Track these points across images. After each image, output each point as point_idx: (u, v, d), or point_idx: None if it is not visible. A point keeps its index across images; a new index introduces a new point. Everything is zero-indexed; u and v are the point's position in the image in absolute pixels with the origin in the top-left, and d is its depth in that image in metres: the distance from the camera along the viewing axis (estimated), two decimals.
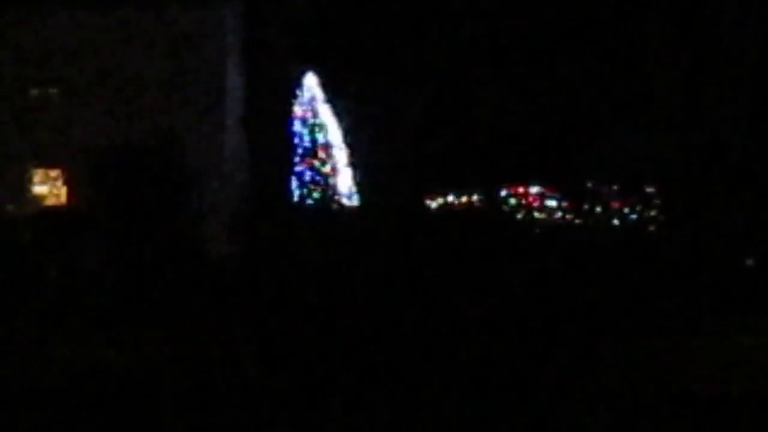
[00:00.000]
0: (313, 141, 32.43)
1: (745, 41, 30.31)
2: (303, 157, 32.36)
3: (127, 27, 31.00)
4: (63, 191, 31.26)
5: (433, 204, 32.10)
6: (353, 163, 32.76)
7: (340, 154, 32.54)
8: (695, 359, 17.18)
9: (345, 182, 32.62)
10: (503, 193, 32.31)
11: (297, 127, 32.12)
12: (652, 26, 32.18)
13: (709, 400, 14.72)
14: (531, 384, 15.92)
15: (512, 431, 13.74)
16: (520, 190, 32.31)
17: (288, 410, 14.55)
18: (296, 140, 32.15)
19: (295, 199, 32.08)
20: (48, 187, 31.44)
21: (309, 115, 32.53)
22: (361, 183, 32.75)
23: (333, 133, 32.62)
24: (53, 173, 31.41)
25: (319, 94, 32.79)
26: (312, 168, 32.36)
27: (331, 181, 32.43)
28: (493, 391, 15.49)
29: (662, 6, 31.70)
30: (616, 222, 32.27)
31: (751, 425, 13.48)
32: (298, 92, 32.36)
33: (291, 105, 31.97)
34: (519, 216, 32.52)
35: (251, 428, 13.87)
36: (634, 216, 32.24)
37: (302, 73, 32.51)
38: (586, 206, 32.16)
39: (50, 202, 31.16)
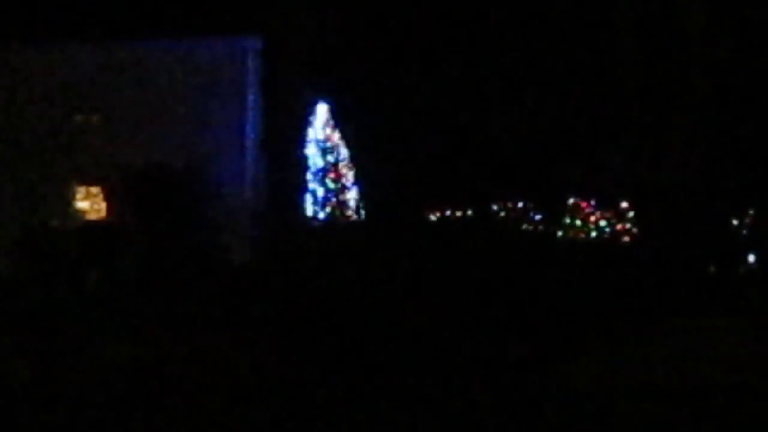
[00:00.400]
0: (325, 162, 32.12)
1: (708, 77, 30.53)
2: (315, 176, 31.93)
3: (158, 59, 30.63)
4: (103, 206, 30.95)
5: (432, 217, 32.08)
6: (360, 182, 32.22)
7: (348, 174, 32.09)
8: (661, 353, 17.67)
9: (353, 199, 32.16)
10: (494, 207, 32.26)
11: (310, 149, 31.86)
12: (626, 62, 32.37)
13: (675, 388, 14.94)
14: (517, 371, 16.43)
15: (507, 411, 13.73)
16: (509, 204, 32.28)
17: (301, 397, 14.72)
18: (309, 161, 31.85)
19: (309, 213, 31.82)
20: (89, 203, 31.10)
21: (320, 139, 32.16)
22: (367, 199, 32.35)
23: (342, 154, 32.18)
24: (94, 190, 31.09)
25: (330, 120, 32.43)
26: (323, 186, 31.94)
27: (340, 197, 32.04)
28: (486, 375, 15.95)
29: (635, 42, 31.87)
30: (593, 234, 31.88)
31: (717, 408, 13.59)
32: (310, 119, 32.02)
33: (304, 130, 31.97)
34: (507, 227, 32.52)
35: (271, 413, 13.80)
36: (609, 228, 31.85)
37: (314, 102, 32.11)
38: (567, 219, 31.97)
39: (91, 216, 30.92)
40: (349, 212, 32.21)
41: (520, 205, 32.30)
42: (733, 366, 16.47)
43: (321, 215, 32.04)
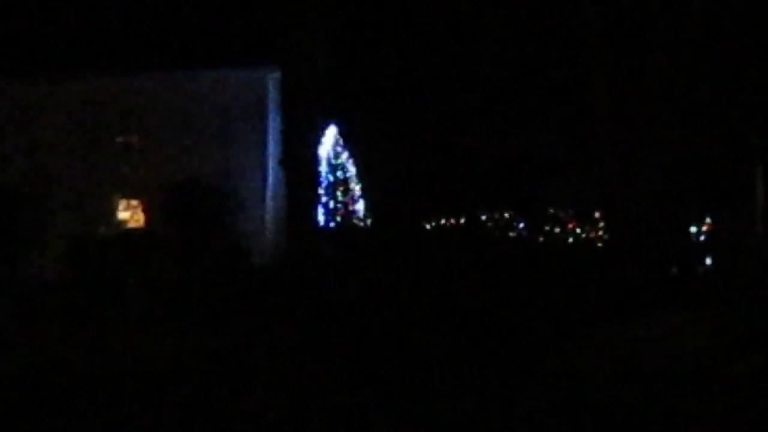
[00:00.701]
0: (335, 178, 32.45)
1: (669, 106, 30.46)
2: (327, 189, 32.34)
3: (190, 88, 30.85)
4: (141, 216, 31.22)
5: (428, 225, 32.22)
6: (366, 194, 32.62)
7: (356, 188, 32.45)
8: (631, 343, 17.29)
9: (360, 209, 32.52)
10: (483, 217, 32.39)
11: (322, 166, 32.20)
12: (598, 97, 32.39)
13: (645, 371, 14.80)
14: (506, 358, 16.14)
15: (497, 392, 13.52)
16: (496, 215, 32.34)
17: (313, 379, 14.51)
18: (321, 177, 32.12)
19: (322, 222, 32.10)
20: (130, 213, 31.38)
21: (332, 157, 32.50)
22: (372, 209, 32.66)
23: (349, 171, 32.54)
24: (134, 202, 31.35)
25: (339, 141, 32.79)
26: (334, 198, 32.30)
27: (349, 208, 32.41)
28: (482, 362, 15.70)
29: (605, 77, 31.89)
30: (570, 239, 32.24)
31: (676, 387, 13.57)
32: (322, 139, 32.31)
33: (317, 149, 31.82)
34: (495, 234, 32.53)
35: (294, 397, 13.39)
36: (584, 235, 32.20)
37: (325, 125, 32.43)
38: (547, 227, 32.15)
39: (132, 225, 31.20)
40: (357, 221, 32.71)
41: (506, 215, 32.51)
42: (692, 352, 16.20)
43: (332, 224, 32.42)
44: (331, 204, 32.59)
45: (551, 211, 32.71)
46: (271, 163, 30.99)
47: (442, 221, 32.19)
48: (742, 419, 11.92)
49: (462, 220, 32.25)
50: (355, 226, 32.38)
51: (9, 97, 31.05)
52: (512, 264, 28.47)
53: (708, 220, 29.70)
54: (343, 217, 32.58)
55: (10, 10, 31.37)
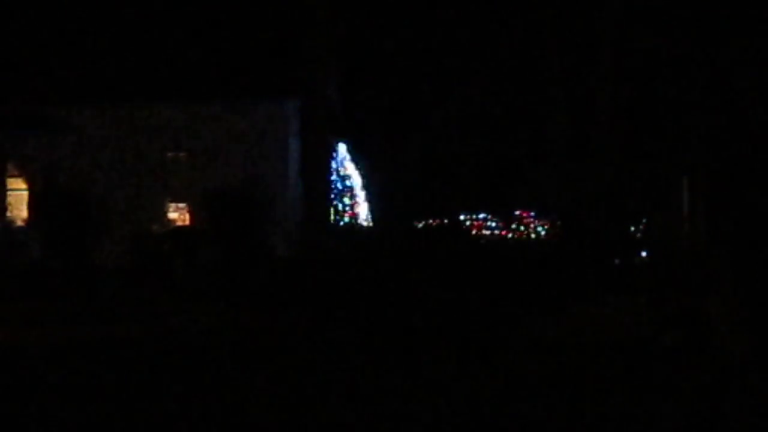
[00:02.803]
0: (344, 185, 32.59)
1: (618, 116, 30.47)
2: (336, 195, 32.44)
3: (227, 114, 31.02)
4: (187, 217, 31.35)
5: (419, 225, 32.20)
6: (368, 200, 32.88)
7: (360, 194, 32.67)
8: (581, 320, 17.95)
9: (363, 211, 32.71)
10: (462, 217, 32.49)
11: (333, 177, 32.36)
12: (554, 112, 32.54)
13: (587, 343, 15.14)
14: (484, 331, 16.65)
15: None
16: (473, 216, 32.33)
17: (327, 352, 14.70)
18: (332, 185, 32.28)
19: (333, 221, 32.21)
20: (178, 214, 31.52)
21: (340, 169, 32.68)
22: (373, 211, 32.83)
23: (355, 180, 32.78)
24: (181, 206, 31.48)
25: (347, 156, 33.00)
26: (342, 202, 32.50)
27: (355, 210, 32.56)
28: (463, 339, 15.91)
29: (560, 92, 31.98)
30: (533, 236, 31.94)
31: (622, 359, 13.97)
32: (333, 155, 32.56)
33: (329, 163, 32.38)
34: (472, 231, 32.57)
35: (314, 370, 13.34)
36: (543, 232, 31.91)
37: (336, 143, 32.72)
38: (514, 226, 32.39)
39: (180, 223, 31.32)
40: (361, 221, 32.82)
41: (482, 215, 32.71)
42: (632, 326, 16.66)
43: (341, 223, 32.47)
44: (340, 207, 32.62)
45: (518, 212, 32.64)
46: (292, 175, 31.09)
47: (430, 221, 32.10)
48: (668, 373, 12.74)
49: (445, 221, 32.16)
50: (360, 225, 32.51)
51: (78, 126, 31.30)
52: (485, 255, 28.65)
53: (644, 220, 29.47)
54: (350, 218, 32.67)
55: (76, 51, 31.72)
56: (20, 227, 30.66)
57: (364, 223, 32.83)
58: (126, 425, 9.90)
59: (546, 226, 32.12)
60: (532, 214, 32.64)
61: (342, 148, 33.16)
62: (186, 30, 31.67)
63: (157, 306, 20.62)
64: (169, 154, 31.38)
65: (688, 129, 27.98)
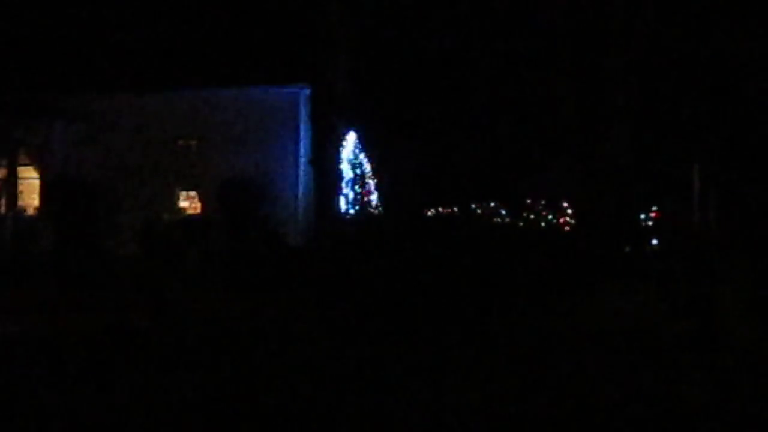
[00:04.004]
0: (354, 174, 32.61)
1: (629, 115, 30.43)
2: (348, 184, 32.50)
3: (239, 101, 30.76)
4: (198, 205, 31.14)
5: (429, 213, 32.29)
6: (379, 188, 32.79)
7: (371, 182, 32.61)
8: (591, 308, 17.81)
9: (374, 200, 32.65)
10: (473, 206, 32.41)
11: (344, 165, 32.42)
12: (564, 106, 32.48)
13: (604, 332, 14.93)
14: (492, 318, 16.38)
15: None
16: (483, 204, 32.38)
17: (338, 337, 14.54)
18: (343, 174, 32.36)
19: (344, 210, 32.24)
20: (189, 203, 31.27)
21: (351, 158, 32.64)
22: (384, 200, 32.80)
23: (366, 169, 32.67)
24: (192, 194, 31.24)
25: (358, 144, 32.90)
26: (353, 191, 32.47)
27: (365, 199, 32.58)
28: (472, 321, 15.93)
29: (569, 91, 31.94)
30: (543, 224, 32.20)
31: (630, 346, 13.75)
32: (344, 143, 32.65)
33: (340, 152, 32.56)
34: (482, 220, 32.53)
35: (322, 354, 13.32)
36: (554, 221, 32.13)
37: (347, 132, 32.79)
38: (524, 214, 32.07)
39: (190, 212, 31.11)
40: (372, 209, 32.97)
41: (492, 204, 32.57)
42: (642, 314, 16.53)
43: (352, 211, 32.63)
44: (351, 195, 32.76)
45: (528, 201, 32.56)
46: (303, 163, 30.83)
47: (440, 210, 32.27)
48: (679, 363, 12.50)
49: (456, 209, 32.28)
50: (371, 213, 32.47)
51: (90, 111, 31.12)
52: (496, 243, 28.60)
53: (654, 208, 29.58)
54: (360, 205, 32.69)
55: (88, 39, 31.63)
56: (32, 216, 30.56)
57: (375, 212, 32.88)
58: (145, 410, 10.06)
59: (555, 215, 32.44)
60: (543, 202, 32.95)
61: (353, 136, 33.20)
62: (197, 18, 31.55)
63: (169, 294, 19.95)
64: (181, 142, 31.05)
65: (699, 118, 28.24)
